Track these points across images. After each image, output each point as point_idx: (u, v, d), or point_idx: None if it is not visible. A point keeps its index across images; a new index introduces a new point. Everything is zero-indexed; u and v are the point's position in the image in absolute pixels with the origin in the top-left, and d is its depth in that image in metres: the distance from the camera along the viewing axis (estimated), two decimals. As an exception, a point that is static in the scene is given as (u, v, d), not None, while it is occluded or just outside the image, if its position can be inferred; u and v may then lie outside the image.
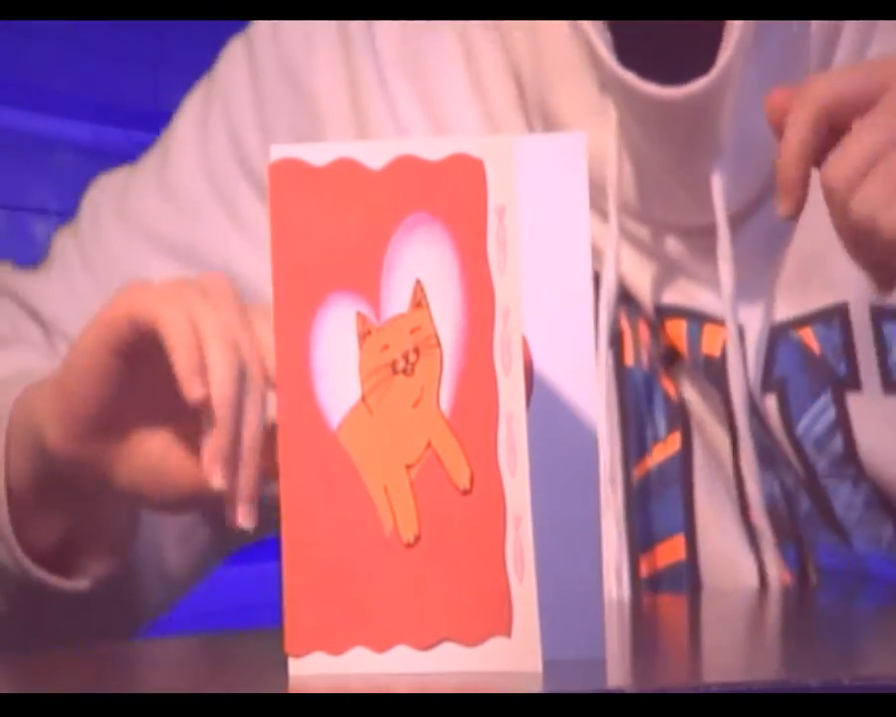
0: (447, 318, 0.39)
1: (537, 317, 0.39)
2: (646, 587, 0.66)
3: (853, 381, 0.59)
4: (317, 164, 0.40)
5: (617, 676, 0.53)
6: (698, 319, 0.60)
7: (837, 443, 0.60)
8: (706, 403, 0.60)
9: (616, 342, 0.60)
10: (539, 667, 0.44)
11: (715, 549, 0.63)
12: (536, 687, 0.45)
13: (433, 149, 0.39)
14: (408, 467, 0.40)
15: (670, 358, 0.61)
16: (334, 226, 0.39)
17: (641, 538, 0.65)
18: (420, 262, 0.39)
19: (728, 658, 0.62)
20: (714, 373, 0.59)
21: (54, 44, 5.10)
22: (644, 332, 0.60)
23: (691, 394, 0.60)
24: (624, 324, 0.60)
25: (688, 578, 0.65)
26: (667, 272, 0.60)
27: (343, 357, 0.40)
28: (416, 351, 0.39)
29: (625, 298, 0.60)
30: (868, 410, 0.59)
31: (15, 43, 5.02)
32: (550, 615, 0.42)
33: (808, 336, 0.59)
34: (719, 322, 0.59)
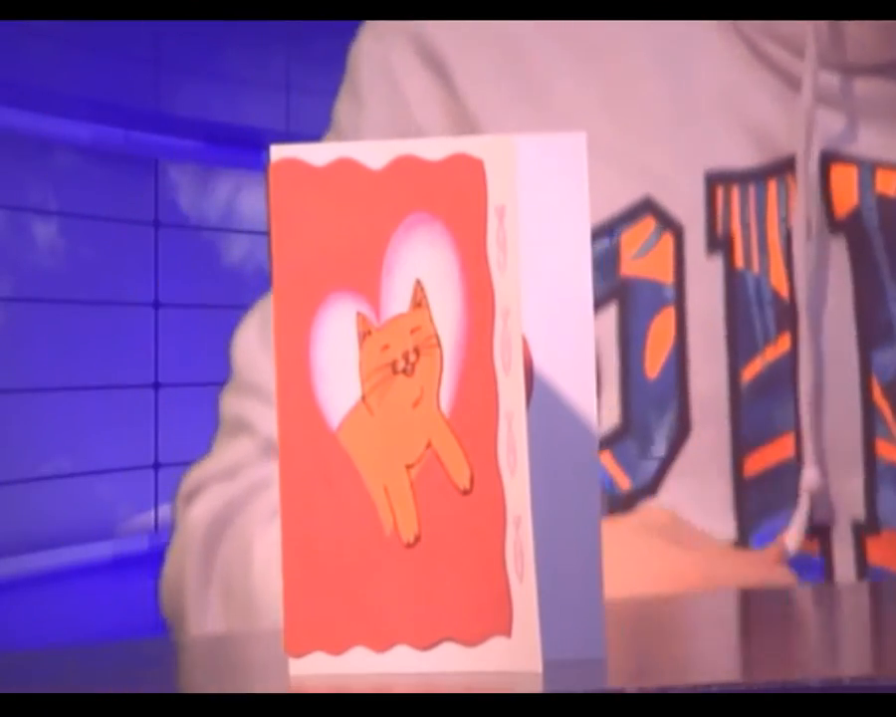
0: (447, 318, 0.39)
1: (537, 317, 0.38)
2: (753, 486, 0.65)
3: None
4: (317, 164, 0.40)
5: (617, 676, 0.53)
6: (870, 164, 0.58)
7: None
8: (831, 281, 0.58)
9: (727, 245, 0.58)
10: (539, 667, 0.44)
11: (827, 443, 0.62)
12: (536, 687, 0.45)
13: (433, 149, 0.39)
14: (408, 467, 0.39)
15: (830, 220, 0.58)
16: (334, 226, 0.39)
17: (750, 438, 0.64)
18: (420, 262, 0.39)
19: (728, 658, 0.62)
20: (888, 215, 0.56)
21: (54, 44, 5.09)
22: (794, 196, 0.57)
23: (811, 276, 0.57)
24: (736, 225, 0.58)
25: (797, 475, 0.64)
26: (834, 117, 0.57)
27: (344, 357, 0.39)
28: (416, 351, 0.39)
29: (772, 168, 0.58)
30: None
31: (15, 43, 5.02)
32: (550, 615, 0.42)
33: None
34: (890, 167, 0.56)
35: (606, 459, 0.63)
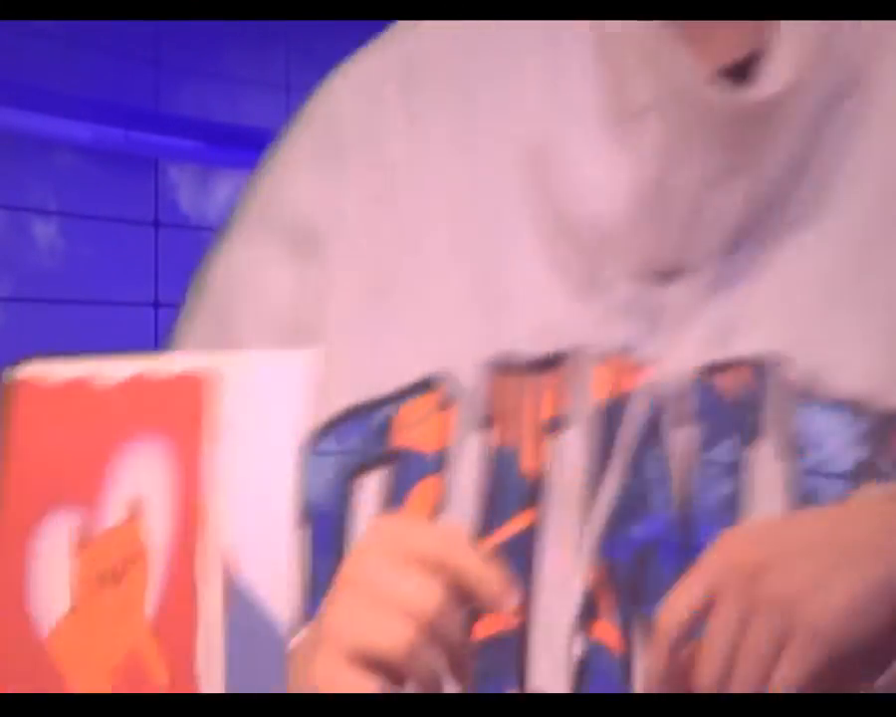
0: (159, 531, 0.41)
1: (242, 530, 0.41)
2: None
3: (757, 433, 0.59)
4: (49, 384, 0.43)
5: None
6: (628, 360, 0.61)
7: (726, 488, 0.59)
8: (581, 464, 0.61)
9: (492, 424, 0.62)
10: None
11: (549, 619, 0.63)
12: None
13: (162, 368, 0.42)
14: (113, 671, 0.41)
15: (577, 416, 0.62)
16: (61, 444, 0.42)
17: None
18: (140, 477, 0.42)
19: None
20: (614, 414, 0.60)
21: (54, 44, 5.09)
22: (546, 392, 0.61)
23: (562, 460, 0.61)
24: (508, 407, 0.62)
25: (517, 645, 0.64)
26: (603, 315, 0.61)
27: (59, 569, 0.41)
28: (127, 562, 0.41)
29: (538, 364, 0.62)
30: (765, 472, 0.58)
31: (15, 43, 5.02)
32: None
33: (725, 381, 0.59)
34: (634, 363, 0.61)
35: None
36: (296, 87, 5.84)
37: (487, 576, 0.52)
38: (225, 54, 5.37)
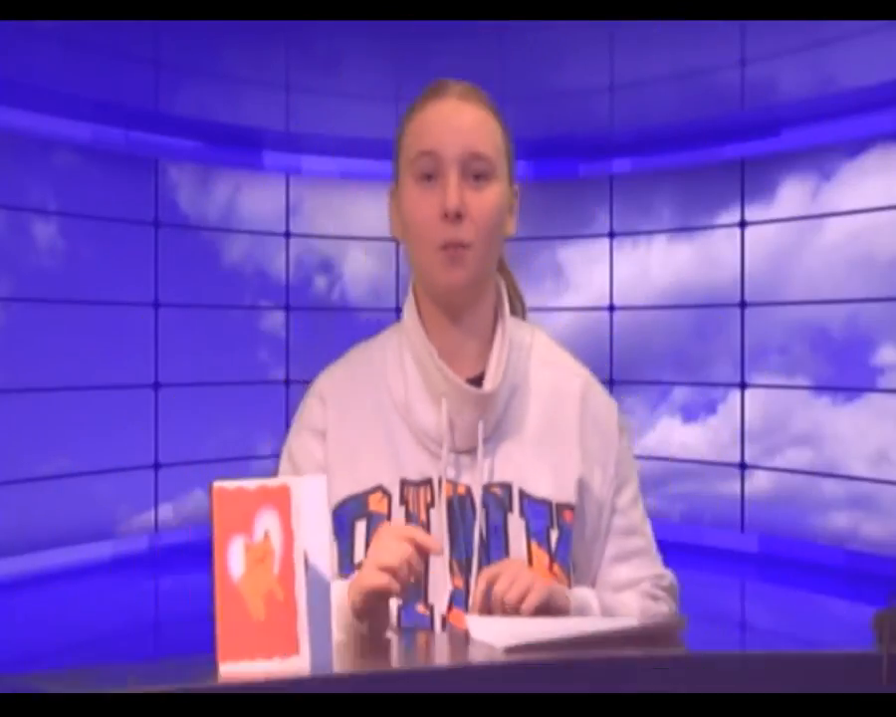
0: (276, 542, 1.01)
1: (309, 544, 1.02)
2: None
3: (509, 510, 1.43)
4: (230, 490, 1.04)
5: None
6: (454, 483, 1.44)
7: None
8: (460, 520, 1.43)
9: (404, 502, 1.42)
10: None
11: (436, 577, 1.40)
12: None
13: (265, 483, 1.04)
14: (262, 597, 1.02)
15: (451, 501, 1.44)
16: (236, 512, 1.05)
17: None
18: (269, 523, 1.02)
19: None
20: (453, 502, 1.42)
21: (54, 44, 5.09)
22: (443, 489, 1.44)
23: (433, 519, 1.42)
24: (407, 494, 1.43)
25: (423, 585, 1.40)
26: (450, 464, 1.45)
27: (238, 557, 1.03)
28: (266, 554, 1.02)
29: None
30: (514, 525, 1.42)
31: (15, 43, 5.02)
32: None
33: (494, 489, 1.43)
34: (459, 484, 1.43)
35: None
36: (296, 87, 5.85)
37: (429, 542, 1.28)
38: (225, 54, 5.37)
